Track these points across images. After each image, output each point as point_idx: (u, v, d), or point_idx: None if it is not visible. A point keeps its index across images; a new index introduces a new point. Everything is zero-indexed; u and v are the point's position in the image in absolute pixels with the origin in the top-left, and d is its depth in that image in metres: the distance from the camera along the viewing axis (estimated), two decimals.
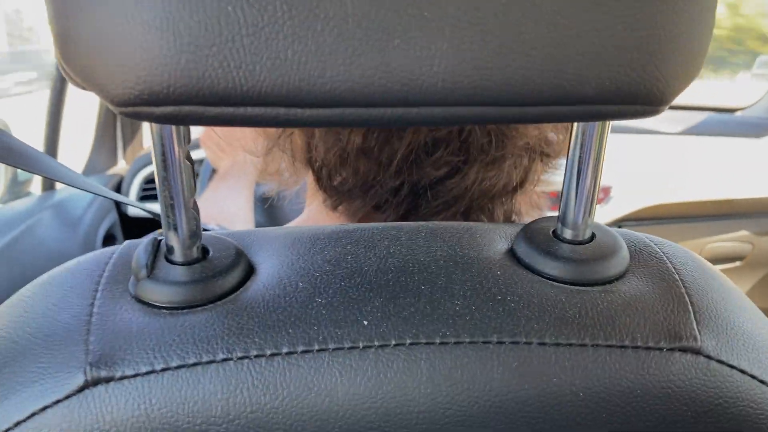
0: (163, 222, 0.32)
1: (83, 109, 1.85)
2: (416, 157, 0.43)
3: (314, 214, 0.53)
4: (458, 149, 0.43)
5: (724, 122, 2.10)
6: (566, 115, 0.27)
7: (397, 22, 0.24)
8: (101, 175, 1.83)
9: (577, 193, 0.34)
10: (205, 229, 0.52)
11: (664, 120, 2.05)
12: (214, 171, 1.31)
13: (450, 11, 0.24)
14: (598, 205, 1.94)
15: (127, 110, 0.25)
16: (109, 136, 1.89)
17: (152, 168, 1.85)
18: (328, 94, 0.25)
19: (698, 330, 0.32)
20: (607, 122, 0.32)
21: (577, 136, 0.33)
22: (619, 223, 1.97)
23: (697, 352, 0.31)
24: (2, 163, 0.47)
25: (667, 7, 0.25)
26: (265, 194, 1.36)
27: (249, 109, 0.25)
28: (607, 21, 0.25)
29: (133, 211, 1.86)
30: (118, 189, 1.82)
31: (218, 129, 1.07)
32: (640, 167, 1.99)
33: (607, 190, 1.96)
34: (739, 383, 0.31)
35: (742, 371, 0.31)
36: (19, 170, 1.55)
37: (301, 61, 0.24)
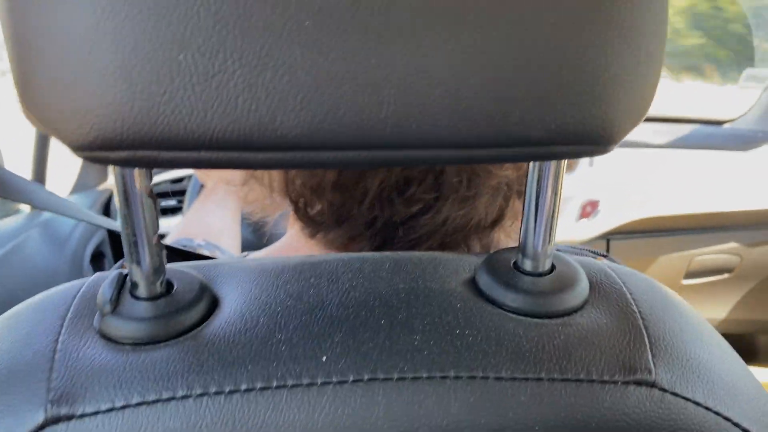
0: (126, 258, 0.33)
1: None
2: (389, 194, 0.43)
3: (293, 240, 0.54)
4: (431, 187, 0.43)
5: (712, 135, 2.11)
6: (514, 156, 0.27)
7: (345, 69, 0.24)
8: (91, 190, 1.83)
9: (536, 225, 0.34)
10: (188, 246, 0.51)
11: (651, 133, 2.06)
12: (202, 186, 1.32)
13: (397, 59, 0.24)
14: (585, 219, 1.96)
15: (84, 154, 0.26)
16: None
17: None
18: (280, 139, 0.25)
19: (653, 363, 0.32)
20: (562, 161, 0.33)
21: (533, 171, 0.33)
22: (607, 236, 1.98)
23: (651, 385, 0.31)
24: None
25: (612, 48, 0.26)
26: (247, 217, 1.37)
27: (203, 153, 0.26)
28: (551, 63, 0.25)
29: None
30: (107, 205, 1.82)
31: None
32: (628, 181, 2.00)
33: (594, 204, 1.97)
34: (694, 416, 0.31)
35: (697, 403, 0.32)
36: None
37: (251, 108, 0.24)
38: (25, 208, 1.61)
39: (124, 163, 0.26)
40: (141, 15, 0.23)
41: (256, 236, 1.42)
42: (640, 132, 2.05)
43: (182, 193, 1.79)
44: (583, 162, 1.93)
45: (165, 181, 1.88)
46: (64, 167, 1.85)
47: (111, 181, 1.98)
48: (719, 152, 2.03)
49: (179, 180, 1.87)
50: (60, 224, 1.55)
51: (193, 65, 0.24)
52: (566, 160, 0.33)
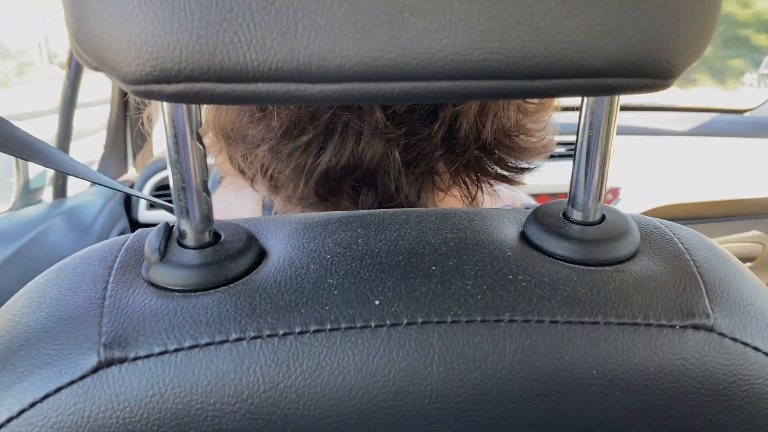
0: (174, 206, 0.33)
1: (93, 117, 1.86)
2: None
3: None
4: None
5: (733, 123, 2.09)
6: (574, 88, 0.27)
7: None
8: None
9: (587, 173, 0.34)
10: None
11: (672, 121, 2.04)
12: (221, 179, 1.32)
13: None
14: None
15: (139, 88, 0.26)
16: (120, 143, 1.91)
17: (163, 174, 1.87)
18: (338, 69, 0.25)
19: (711, 308, 0.31)
20: (616, 100, 0.32)
21: (585, 115, 0.33)
22: None
23: (710, 329, 0.31)
24: (10, 154, 0.47)
25: None
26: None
27: (260, 86, 0.25)
28: None
29: (144, 216, 1.87)
30: (128, 196, 1.83)
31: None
32: (650, 168, 1.98)
33: (615, 192, 1.95)
34: (754, 361, 0.31)
35: (756, 349, 0.31)
36: (31, 178, 1.56)
37: (310, 36, 0.24)
38: (47, 197, 1.62)
39: (179, 98, 0.26)
40: None
41: None
42: (661, 120, 2.04)
43: None
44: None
45: None
46: (85, 160, 1.86)
47: (131, 173, 1.99)
48: (740, 140, 2.01)
49: None
50: (83, 212, 1.56)
51: None
52: (618, 104, 0.32)
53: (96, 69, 0.27)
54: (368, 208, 0.47)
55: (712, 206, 1.98)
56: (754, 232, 2.01)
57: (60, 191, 1.63)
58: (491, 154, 0.48)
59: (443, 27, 0.24)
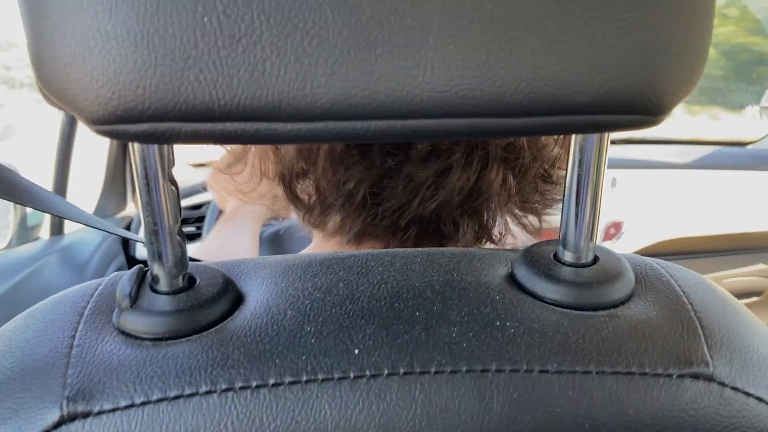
0: (147, 249, 0.31)
1: (93, 153, 1.86)
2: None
3: (315, 247, 0.52)
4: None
5: (736, 155, 2.08)
6: (560, 126, 0.25)
7: (379, 31, 0.23)
8: (110, 218, 1.83)
9: (577, 213, 0.33)
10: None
11: (674, 154, 2.04)
12: (221, 212, 1.32)
13: (434, 19, 0.23)
14: (609, 242, 1.93)
15: (103, 128, 0.25)
16: (119, 179, 1.90)
17: None
18: (309, 108, 0.24)
19: (710, 355, 0.30)
20: (606, 136, 0.31)
21: (575, 152, 0.31)
22: None
23: (709, 378, 0.29)
24: (8, 200, 0.46)
25: (664, 11, 0.24)
26: (271, 234, 1.35)
27: (228, 125, 0.24)
28: (600, 27, 0.24)
29: (141, 253, 1.86)
30: (127, 230, 1.83)
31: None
32: (653, 202, 1.97)
33: (618, 226, 1.94)
34: (757, 412, 0.29)
35: (760, 399, 0.29)
36: (28, 215, 1.55)
37: (280, 73, 0.23)
38: (44, 235, 1.61)
39: (145, 138, 0.25)
40: None
41: None
42: (664, 153, 2.03)
43: (201, 219, 1.78)
44: (606, 184, 1.90)
45: (184, 208, 1.87)
46: (83, 197, 1.86)
47: (130, 209, 1.98)
48: (744, 173, 2.00)
49: (198, 206, 1.87)
50: (79, 250, 1.55)
51: (219, 28, 0.22)
52: (608, 141, 0.31)
53: (60, 108, 0.26)
54: (466, 241, 0.45)
55: (717, 240, 1.96)
56: (760, 266, 1.99)
57: (57, 228, 1.62)
58: (548, 191, 0.47)
59: (418, 63, 0.23)
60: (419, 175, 0.41)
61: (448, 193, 0.41)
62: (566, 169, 0.32)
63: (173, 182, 0.30)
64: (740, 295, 2.02)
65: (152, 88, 0.23)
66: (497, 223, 0.45)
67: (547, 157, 0.43)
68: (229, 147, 0.49)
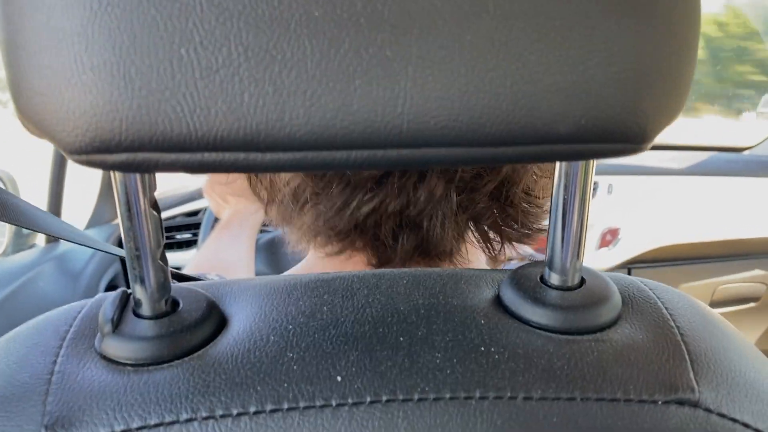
0: (129, 274, 0.31)
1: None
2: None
3: (309, 263, 0.52)
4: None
5: (732, 161, 2.08)
6: (541, 155, 0.25)
7: (357, 62, 0.23)
8: (107, 225, 1.83)
9: (563, 236, 0.32)
10: (199, 278, 0.50)
11: (670, 160, 2.03)
12: (216, 220, 1.31)
13: (412, 50, 0.23)
14: (605, 248, 1.93)
15: (80, 158, 0.24)
16: (115, 201, 1.89)
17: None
18: (287, 138, 0.23)
19: (696, 381, 0.30)
20: (591, 162, 0.31)
21: (560, 177, 0.31)
22: (628, 265, 1.94)
23: (695, 404, 0.29)
24: (2, 221, 0.47)
25: (647, 40, 0.24)
26: (267, 242, 1.35)
27: (206, 155, 0.24)
28: (580, 56, 0.23)
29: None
30: (120, 242, 1.82)
31: (221, 178, 1.08)
32: (649, 208, 1.97)
33: (615, 232, 1.93)
34: None
35: (746, 425, 0.29)
36: None
37: (258, 104, 0.23)
38: (40, 242, 1.61)
39: (123, 168, 0.24)
40: (140, 7, 0.22)
41: (271, 269, 1.40)
42: (660, 159, 2.03)
43: (197, 226, 1.78)
44: (603, 190, 1.90)
45: (180, 215, 1.87)
46: (80, 203, 1.85)
47: None
48: (740, 179, 2.00)
49: (194, 213, 1.86)
50: (74, 259, 1.55)
51: (196, 59, 0.22)
52: (594, 164, 0.31)
53: (40, 137, 0.26)
54: (403, 254, 0.45)
55: (713, 246, 1.96)
56: (756, 272, 1.98)
57: (52, 236, 1.62)
58: (525, 215, 0.46)
59: (397, 94, 0.23)
60: (356, 178, 0.41)
61: (384, 198, 0.42)
62: (551, 193, 0.32)
63: (155, 207, 0.30)
64: (737, 301, 2.01)
65: (129, 120, 0.23)
66: (445, 239, 0.45)
67: (500, 175, 0.43)
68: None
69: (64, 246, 1.59)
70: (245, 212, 1.12)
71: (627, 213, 1.94)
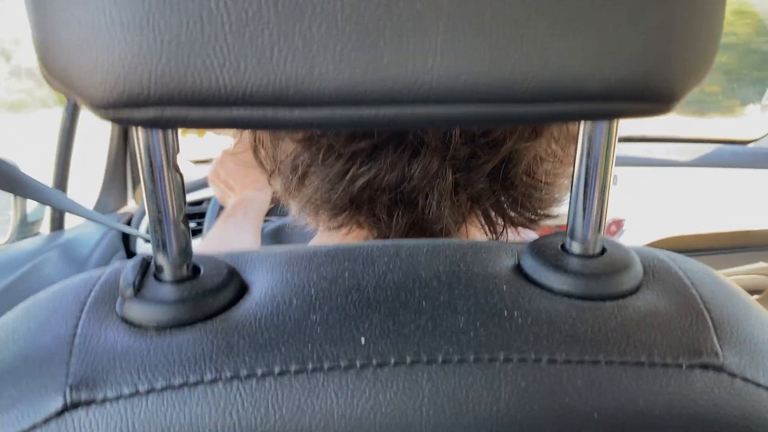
0: (151, 238, 0.31)
1: (93, 149, 1.86)
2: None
3: (317, 239, 0.52)
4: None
5: (737, 153, 2.08)
6: (569, 113, 0.25)
7: (387, 16, 0.22)
8: (111, 214, 1.83)
9: (585, 204, 0.32)
10: None
11: (675, 152, 2.03)
12: (221, 208, 1.31)
13: (444, 5, 0.23)
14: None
15: (108, 113, 0.24)
16: (119, 175, 1.90)
17: None
18: (316, 93, 0.23)
19: (720, 345, 0.30)
20: (615, 124, 0.31)
21: (583, 142, 0.31)
22: None
23: (719, 369, 0.29)
24: (10, 192, 0.47)
25: None
26: (272, 230, 1.35)
27: (234, 110, 0.24)
28: (611, 13, 0.23)
29: (142, 249, 1.85)
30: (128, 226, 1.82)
31: (225, 167, 1.08)
32: (653, 199, 1.97)
33: (619, 223, 1.93)
34: (767, 403, 0.29)
35: None
36: (28, 210, 1.55)
37: (287, 59, 0.23)
38: (44, 230, 1.61)
39: (150, 123, 0.24)
40: None
41: None
42: (665, 151, 2.03)
43: (202, 215, 1.78)
44: None
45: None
46: (85, 192, 1.86)
47: (131, 204, 1.98)
48: (745, 171, 2.00)
49: (199, 203, 1.86)
50: (79, 245, 1.55)
51: (226, 13, 0.22)
52: (617, 129, 0.31)
53: (65, 93, 0.26)
54: (399, 230, 0.45)
55: (717, 238, 1.96)
56: (760, 264, 1.98)
57: (57, 224, 1.62)
58: (528, 198, 0.46)
59: (428, 49, 0.23)
60: (349, 149, 0.41)
61: (378, 172, 0.42)
62: (574, 160, 0.32)
63: (178, 170, 0.30)
64: None
65: (158, 73, 0.23)
66: (441, 219, 0.44)
67: (500, 155, 0.42)
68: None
69: (68, 234, 1.59)
70: (250, 200, 1.12)
71: (632, 204, 1.93)
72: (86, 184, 1.86)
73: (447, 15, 0.23)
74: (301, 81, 0.23)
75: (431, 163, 0.41)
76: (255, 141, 0.48)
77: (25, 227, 1.52)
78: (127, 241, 1.80)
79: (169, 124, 0.24)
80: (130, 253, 1.81)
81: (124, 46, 0.23)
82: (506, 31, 0.23)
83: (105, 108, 0.24)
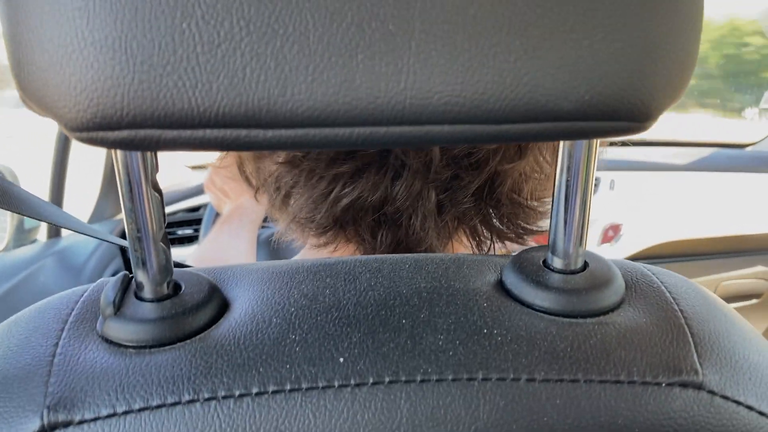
0: (131, 257, 0.31)
1: (91, 155, 1.86)
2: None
3: (304, 254, 0.52)
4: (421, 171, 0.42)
5: (735, 157, 2.08)
6: (544, 133, 0.25)
7: (360, 36, 0.22)
8: (108, 220, 1.83)
9: (566, 219, 0.32)
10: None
11: (673, 156, 2.03)
12: (217, 215, 1.31)
13: (416, 25, 0.23)
14: (608, 244, 1.92)
15: (82, 135, 0.24)
16: (116, 182, 1.90)
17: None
18: (290, 114, 0.23)
19: (699, 363, 0.29)
20: (594, 142, 0.31)
21: (563, 159, 0.31)
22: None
23: (698, 387, 0.29)
24: (4, 209, 0.47)
25: (651, 16, 0.24)
26: (267, 237, 1.35)
27: (208, 132, 0.24)
28: (585, 32, 0.23)
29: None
30: (124, 234, 1.82)
31: (221, 174, 1.08)
32: (651, 204, 1.96)
33: (617, 228, 1.93)
34: (747, 421, 0.29)
35: (749, 407, 0.29)
36: (25, 218, 1.55)
37: (260, 79, 0.23)
38: (41, 237, 1.61)
39: (125, 146, 0.24)
40: None
41: None
42: (662, 155, 2.02)
43: (198, 222, 1.78)
44: (605, 186, 1.90)
45: (181, 210, 1.87)
46: (81, 198, 1.85)
47: None
48: (742, 174, 1.99)
49: (195, 209, 1.86)
50: (75, 253, 1.55)
51: (197, 34, 0.22)
52: (598, 144, 0.31)
53: (40, 114, 0.26)
54: (384, 249, 0.45)
55: (715, 242, 1.95)
56: (759, 268, 1.98)
57: (54, 231, 1.62)
58: (514, 216, 0.46)
59: (400, 69, 0.23)
60: (331, 172, 0.42)
61: (361, 193, 0.42)
62: (554, 175, 0.32)
63: (157, 188, 0.30)
64: (739, 298, 2.01)
65: (131, 95, 0.23)
66: (426, 239, 0.44)
67: (483, 174, 0.42)
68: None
69: (65, 241, 1.59)
70: (246, 208, 1.12)
71: (629, 209, 1.93)
72: (84, 189, 1.86)
73: (419, 34, 0.23)
74: (274, 101, 0.23)
75: (414, 185, 0.42)
76: (239, 157, 0.48)
77: (22, 235, 1.52)
78: (123, 249, 1.80)
79: (142, 146, 0.24)
80: (127, 260, 1.81)
81: (97, 67, 0.23)
82: (478, 50, 0.23)
83: (79, 130, 0.24)
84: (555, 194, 0.32)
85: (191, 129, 0.24)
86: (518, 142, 0.26)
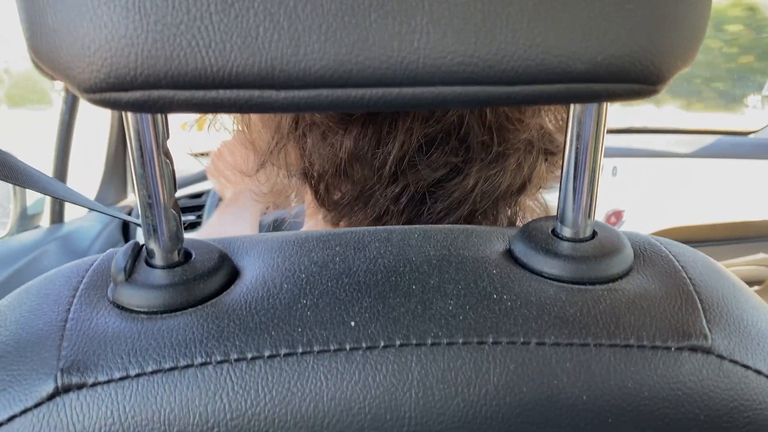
0: (142, 223, 0.31)
1: (93, 142, 1.86)
2: (411, 159, 0.41)
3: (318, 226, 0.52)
4: (457, 148, 0.41)
5: (737, 144, 2.08)
6: (556, 95, 0.25)
7: None
8: (111, 207, 1.83)
9: (575, 188, 0.32)
10: None
11: (675, 143, 2.03)
12: (220, 200, 1.31)
13: None
14: None
15: (94, 97, 0.24)
16: (119, 168, 1.90)
17: None
18: (302, 74, 0.23)
19: (708, 328, 0.30)
20: (604, 108, 0.31)
21: (572, 125, 0.31)
22: None
23: (707, 351, 0.29)
24: (8, 182, 0.47)
25: None
26: (270, 222, 1.35)
27: (221, 92, 0.24)
28: None
29: (142, 242, 1.85)
30: (126, 222, 1.82)
31: (223, 157, 1.08)
32: (654, 191, 1.96)
33: (619, 215, 1.93)
34: (756, 385, 0.29)
35: (758, 372, 0.29)
36: (28, 203, 1.55)
37: (273, 38, 0.23)
38: (44, 223, 1.61)
39: (137, 107, 0.24)
40: None
41: None
42: (665, 142, 2.02)
43: (201, 208, 1.78)
44: (607, 172, 1.90)
45: (184, 197, 1.87)
46: (84, 186, 1.86)
47: (131, 198, 1.98)
48: (744, 161, 1.99)
49: (198, 195, 1.86)
50: (79, 238, 1.55)
51: None
52: (607, 112, 0.31)
53: (53, 78, 0.26)
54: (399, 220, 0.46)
55: (717, 229, 1.95)
56: (761, 255, 1.98)
57: (57, 216, 1.62)
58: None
59: (413, 29, 0.23)
60: (428, 173, 0.42)
61: (458, 195, 0.43)
62: (564, 144, 0.32)
63: (168, 155, 0.30)
64: None
65: (144, 55, 0.23)
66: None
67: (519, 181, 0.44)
68: (251, 146, 0.49)
69: (68, 226, 1.59)
70: (249, 191, 1.12)
71: (631, 195, 1.93)
72: (86, 177, 1.86)
73: None
74: (287, 61, 0.23)
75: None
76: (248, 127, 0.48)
77: (25, 220, 1.52)
78: (127, 233, 1.80)
79: (156, 107, 0.24)
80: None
81: (111, 26, 0.23)
82: (492, 10, 0.23)
83: (92, 91, 0.24)
84: (564, 162, 0.32)
85: (204, 89, 0.24)
86: (530, 105, 0.26)
